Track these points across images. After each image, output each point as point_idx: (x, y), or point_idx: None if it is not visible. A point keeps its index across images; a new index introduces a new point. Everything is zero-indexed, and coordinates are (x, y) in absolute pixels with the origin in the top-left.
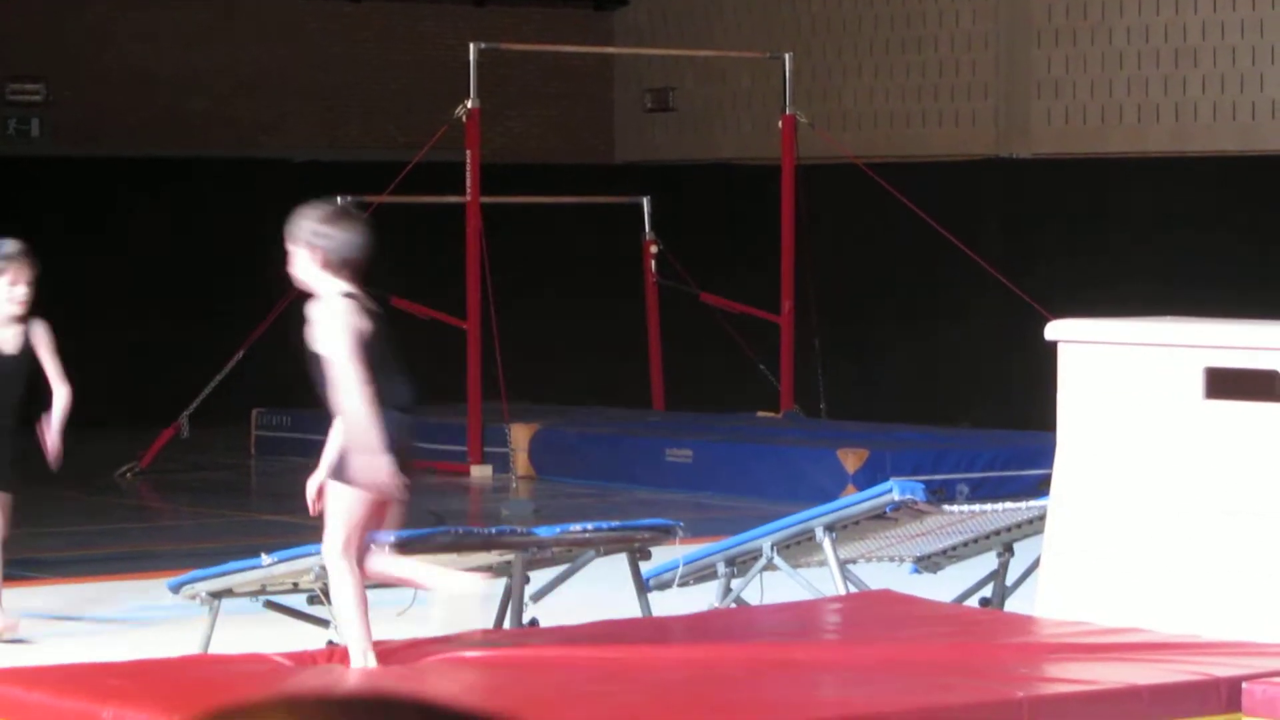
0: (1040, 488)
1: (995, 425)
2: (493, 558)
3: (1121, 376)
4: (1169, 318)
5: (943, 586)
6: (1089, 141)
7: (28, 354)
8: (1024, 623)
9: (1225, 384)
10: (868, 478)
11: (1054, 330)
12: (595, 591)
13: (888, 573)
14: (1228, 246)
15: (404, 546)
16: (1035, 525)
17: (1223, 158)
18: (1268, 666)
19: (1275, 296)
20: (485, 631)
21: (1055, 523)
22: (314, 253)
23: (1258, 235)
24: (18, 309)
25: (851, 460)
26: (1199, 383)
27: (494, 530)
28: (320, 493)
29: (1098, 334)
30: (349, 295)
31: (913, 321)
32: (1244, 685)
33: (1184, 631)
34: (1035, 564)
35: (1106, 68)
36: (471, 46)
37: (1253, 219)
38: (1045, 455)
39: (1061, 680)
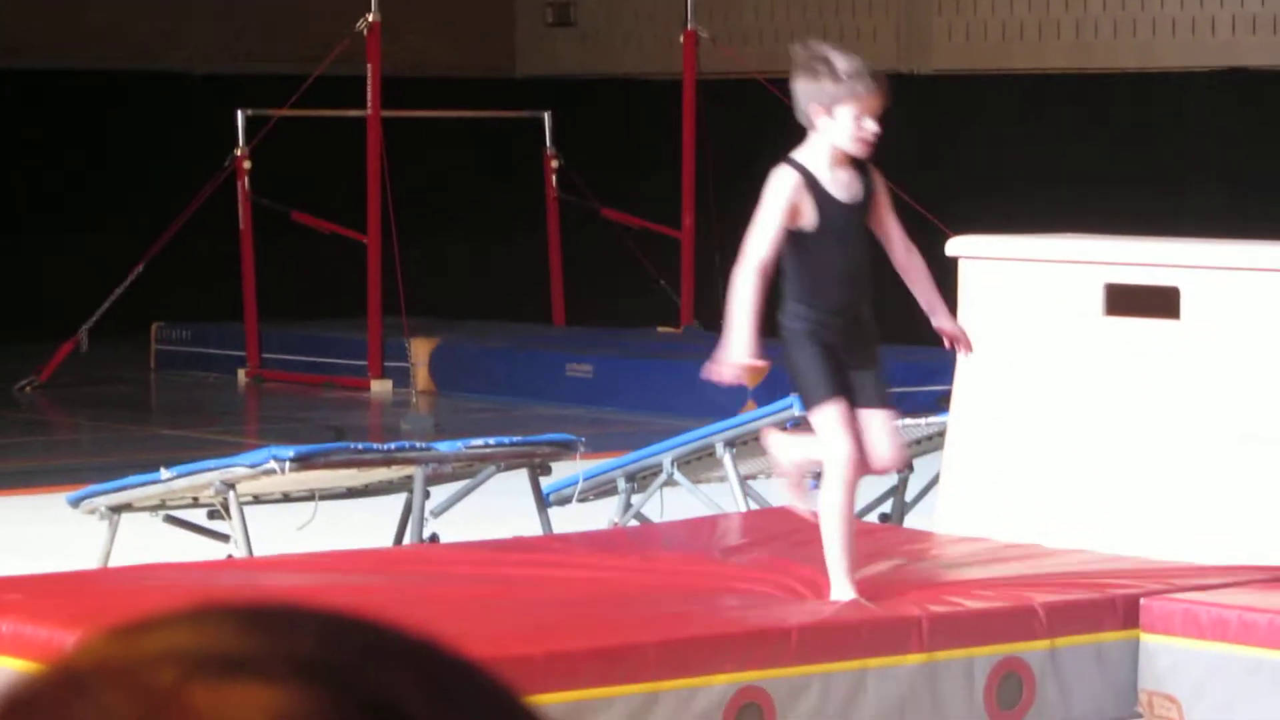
0: (940, 404)
1: (899, 341)
2: (392, 473)
3: (1022, 293)
4: (1069, 234)
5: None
6: (990, 58)
7: None
8: (922, 539)
9: (1125, 300)
10: (769, 393)
11: (954, 246)
12: (496, 506)
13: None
14: (1128, 164)
15: (302, 461)
16: (935, 441)
17: (1123, 74)
18: (1165, 583)
19: (1177, 214)
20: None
21: (954, 439)
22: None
23: (1158, 153)
24: None
25: (752, 375)
26: (1099, 299)
27: (393, 446)
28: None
29: (998, 250)
30: None
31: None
32: (1141, 601)
33: (1082, 548)
34: (935, 480)
35: None
36: None
37: (1153, 136)
38: (946, 371)
39: (959, 597)
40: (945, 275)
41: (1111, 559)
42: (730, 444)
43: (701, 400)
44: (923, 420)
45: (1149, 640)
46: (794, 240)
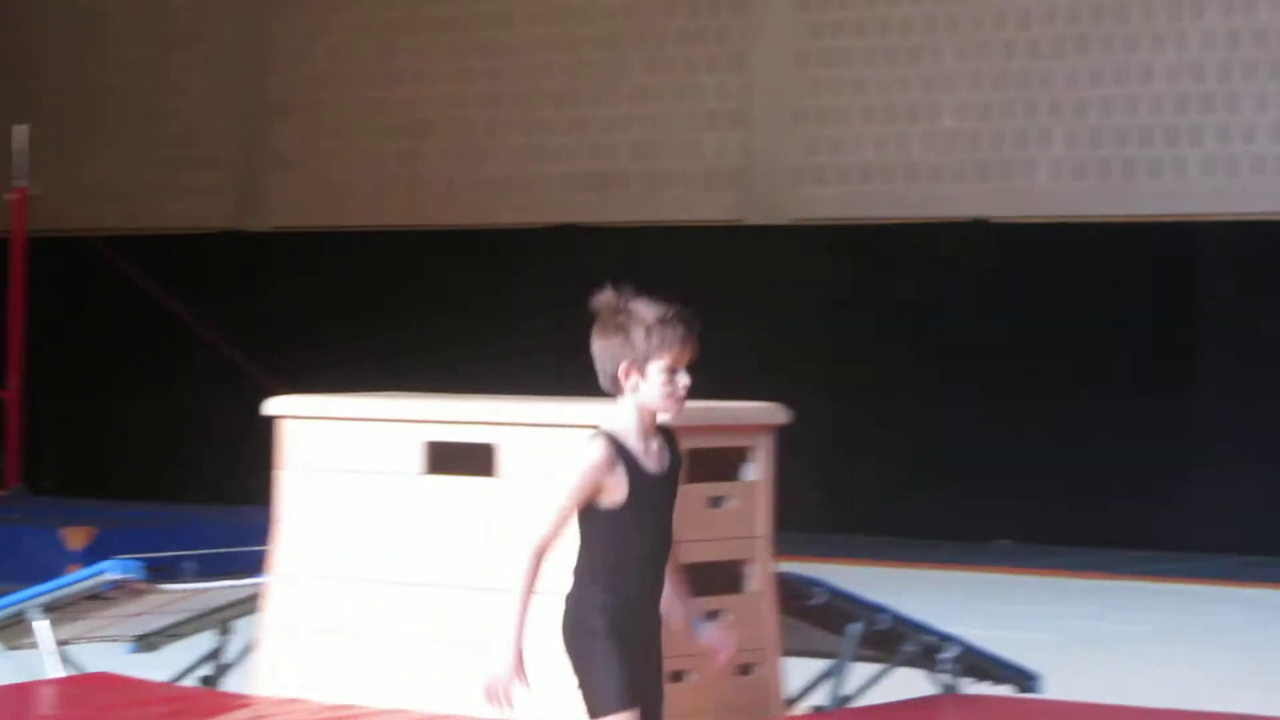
0: (263, 565)
1: (234, 501)
2: None
3: (343, 452)
4: (391, 394)
5: (163, 666)
6: (328, 214)
7: None
8: (240, 701)
9: (445, 459)
10: (95, 556)
11: (273, 406)
12: None
13: (107, 654)
14: (463, 320)
15: None
16: (255, 602)
17: (456, 230)
18: None
19: (503, 371)
20: None
21: (272, 600)
22: None
23: (484, 309)
24: None
25: (77, 538)
26: (419, 457)
27: None
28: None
29: (317, 409)
30: None
31: (148, 396)
32: None
33: (405, 708)
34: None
35: (342, 140)
36: None
37: (481, 291)
38: (269, 532)
39: None
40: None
41: (431, 719)
42: (48, 609)
43: (24, 564)
44: (244, 581)
45: None
46: (595, 518)
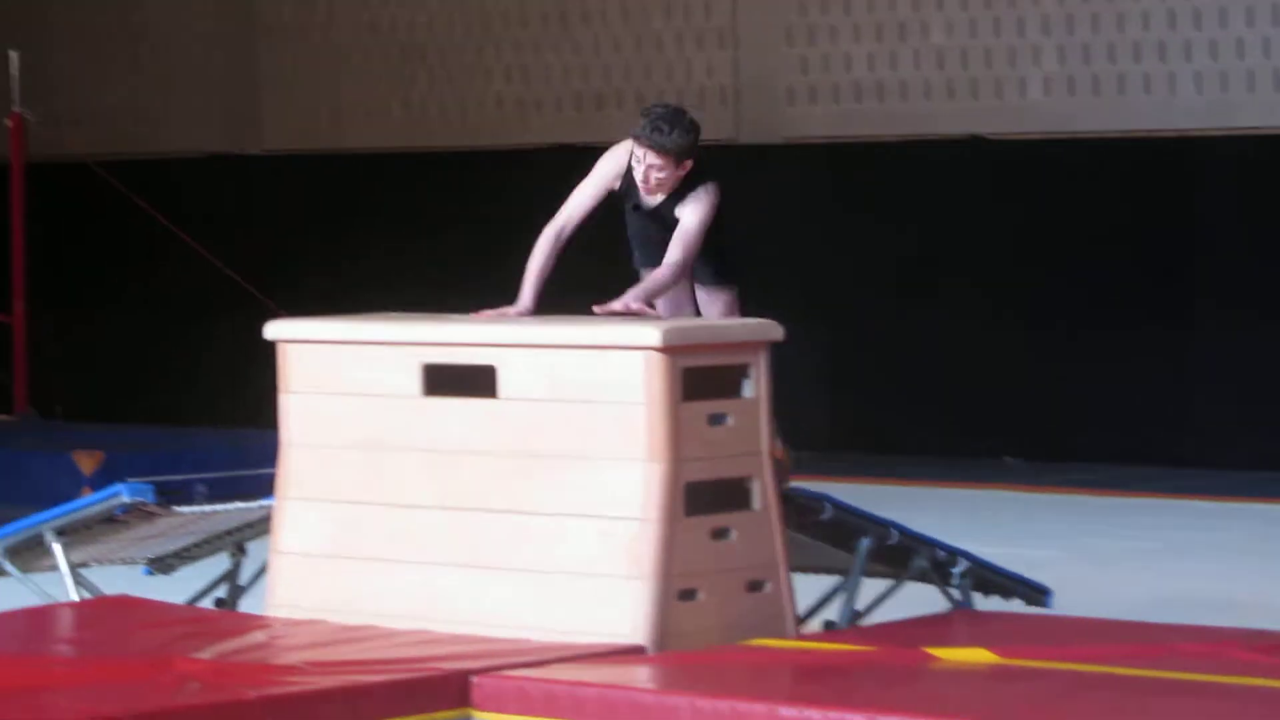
0: (273, 487)
1: (237, 424)
2: None
3: (343, 375)
4: (388, 315)
5: (177, 588)
6: (323, 138)
7: None
8: (257, 623)
9: (443, 381)
10: (105, 480)
11: (273, 330)
12: None
13: (122, 576)
14: (459, 241)
15: None
16: (266, 525)
17: (450, 152)
18: (496, 660)
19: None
20: None
21: (280, 521)
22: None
23: (479, 230)
24: None
25: (87, 462)
26: (418, 379)
27: None
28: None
29: (316, 333)
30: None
31: (154, 321)
32: (472, 679)
33: (418, 628)
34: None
35: (337, 63)
36: None
37: (476, 212)
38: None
39: (292, 680)
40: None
41: (446, 639)
42: (61, 532)
43: (36, 488)
44: (255, 504)
45: (480, 718)
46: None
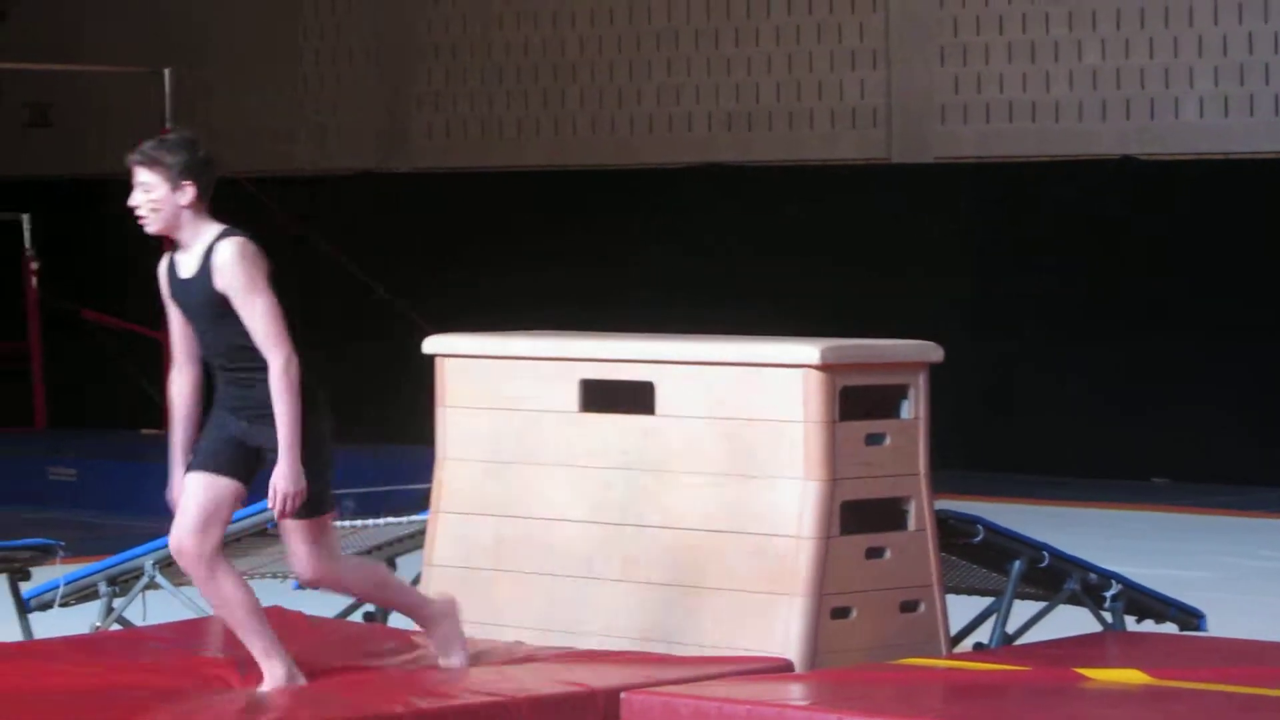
0: (422, 502)
1: (386, 440)
2: None
3: (500, 390)
4: (545, 332)
5: (327, 602)
6: (470, 155)
7: None
8: (405, 638)
9: (599, 396)
10: (255, 494)
11: (432, 345)
12: None
13: (273, 590)
14: (605, 260)
15: None
16: (417, 540)
17: (598, 170)
18: (645, 675)
19: (648, 310)
20: None
21: (434, 534)
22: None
23: (626, 250)
24: None
25: None
26: (575, 395)
27: None
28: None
29: (474, 349)
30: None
31: (298, 336)
32: (622, 695)
33: (566, 645)
34: (418, 579)
35: (486, 82)
36: None
37: (624, 232)
38: (427, 469)
39: (441, 695)
40: (425, 372)
41: (594, 654)
42: None
43: None
44: (405, 519)
45: None
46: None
